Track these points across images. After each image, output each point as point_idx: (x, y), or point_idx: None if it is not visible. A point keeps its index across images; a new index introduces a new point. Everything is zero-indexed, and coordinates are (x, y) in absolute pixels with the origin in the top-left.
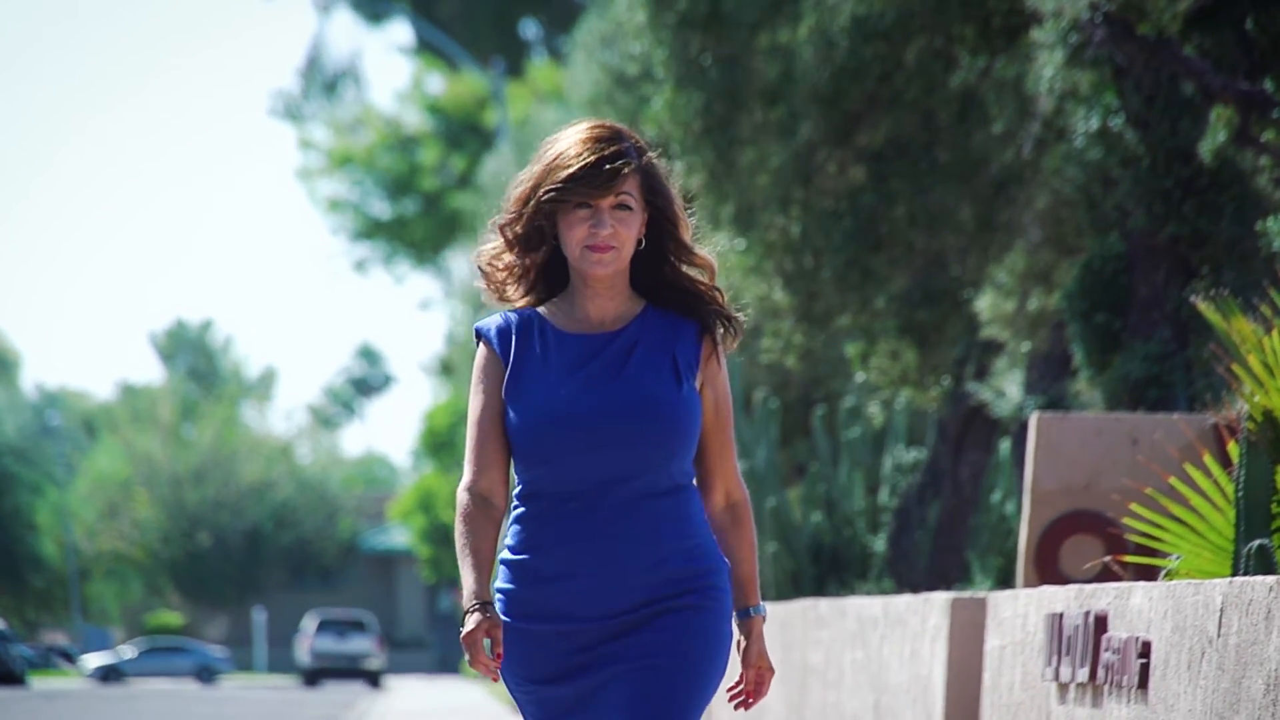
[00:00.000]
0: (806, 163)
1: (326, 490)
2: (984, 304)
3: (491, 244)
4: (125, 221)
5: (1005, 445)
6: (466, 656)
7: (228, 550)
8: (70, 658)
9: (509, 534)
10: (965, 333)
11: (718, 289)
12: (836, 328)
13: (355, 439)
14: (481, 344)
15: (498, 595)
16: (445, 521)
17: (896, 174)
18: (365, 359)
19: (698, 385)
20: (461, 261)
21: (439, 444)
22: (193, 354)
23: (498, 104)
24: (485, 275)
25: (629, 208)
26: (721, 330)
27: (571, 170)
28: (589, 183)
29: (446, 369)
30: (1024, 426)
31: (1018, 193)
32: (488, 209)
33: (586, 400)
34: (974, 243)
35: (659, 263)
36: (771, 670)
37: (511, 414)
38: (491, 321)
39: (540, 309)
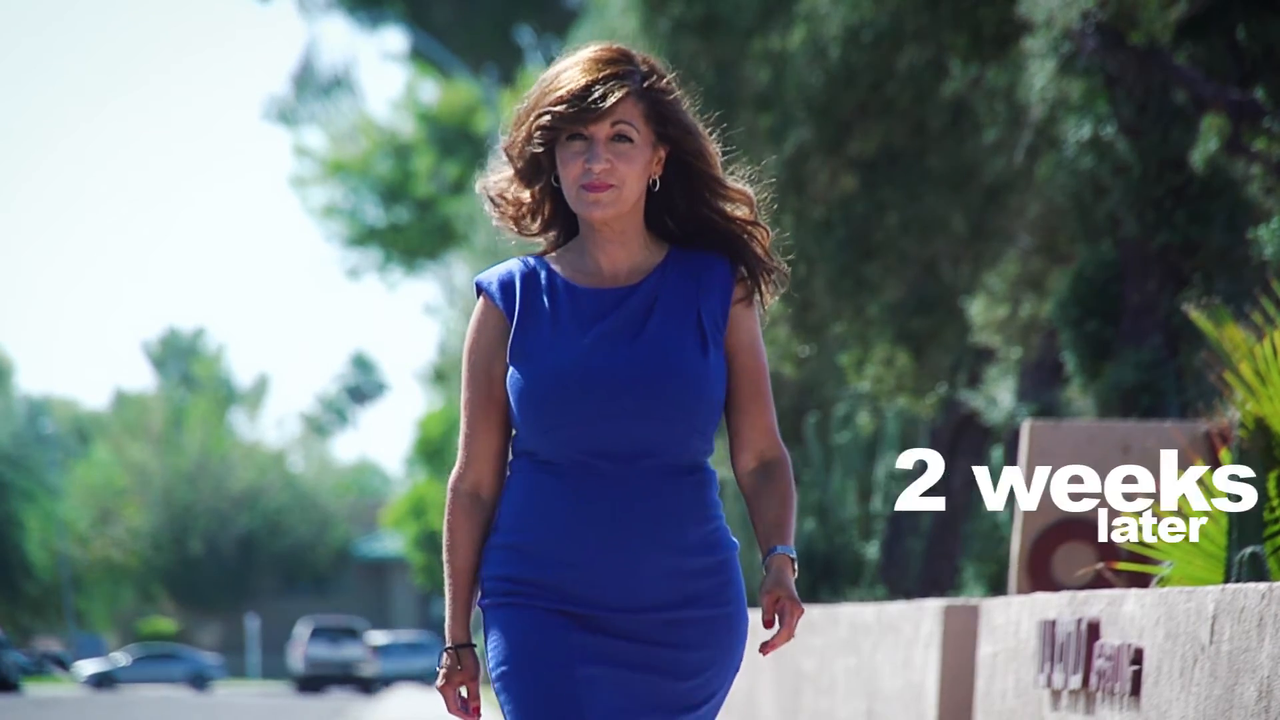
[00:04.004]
0: (799, 171)
1: (319, 497)
2: (976, 311)
3: (499, 172)
4: (118, 229)
5: (998, 452)
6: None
7: (220, 557)
8: (64, 665)
9: (501, 508)
10: (958, 340)
11: (759, 224)
12: (830, 335)
13: (348, 446)
14: (481, 299)
15: (485, 584)
16: (438, 529)
17: (888, 182)
18: (359, 367)
19: (725, 336)
20: (457, 268)
21: (432, 451)
22: (185, 362)
23: (490, 111)
24: (495, 205)
25: (628, 139)
26: (760, 276)
27: (560, 93)
28: (575, 106)
29: (440, 376)
30: (1016, 434)
31: (1010, 201)
32: (482, 217)
33: (600, 363)
34: (966, 250)
35: (690, 204)
36: (795, 603)
37: (515, 375)
38: (493, 273)
39: (549, 258)
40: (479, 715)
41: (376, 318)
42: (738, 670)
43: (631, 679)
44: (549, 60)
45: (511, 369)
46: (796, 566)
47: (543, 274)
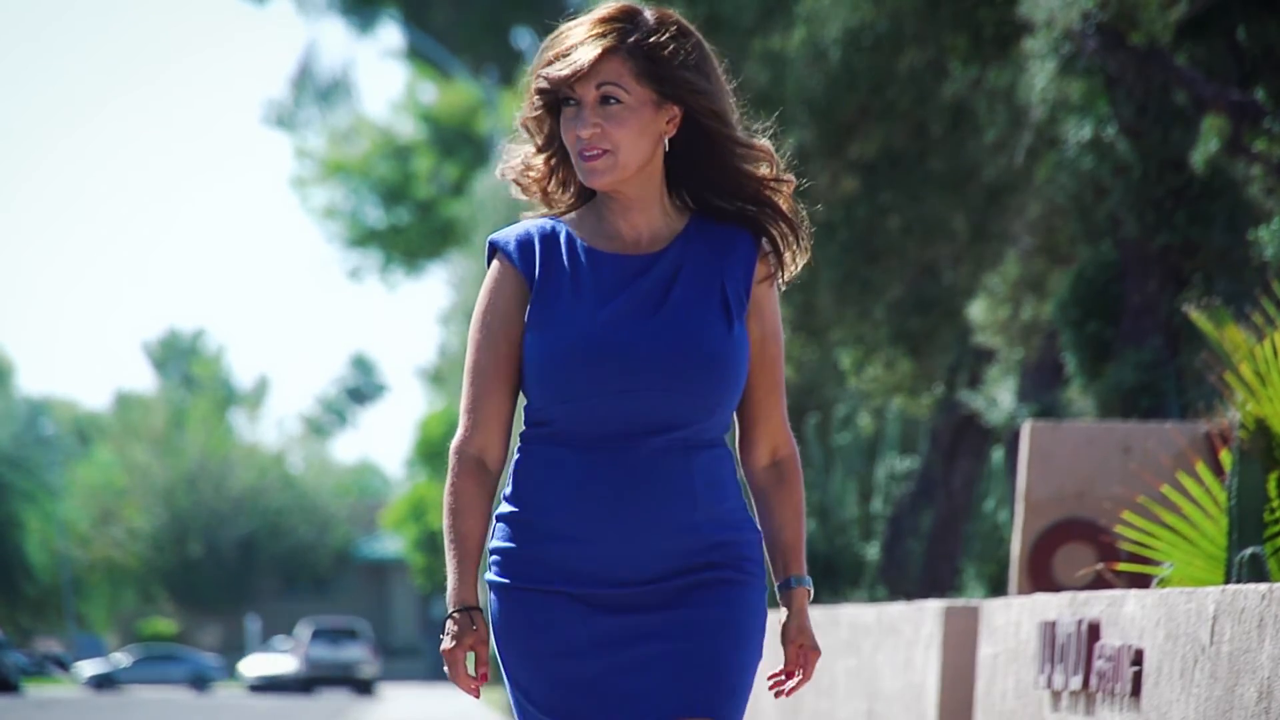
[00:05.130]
0: (800, 173)
1: (319, 499)
2: (977, 312)
3: (516, 152)
4: (118, 229)
5: (998, 453)
6: (446, 670)
7: (221, 558)
8: (65, 666)
9: (509, 480)
10: (958, 341)
11: (782, 179)
12: (832, 337)
13: (348, 448)
14: (497, 259)
15: (493, 556)
16: (437, 529)
17: (889, 184)
18: (359, 368)
19: (747, 316)
20: (457, 270)
21: (433, 453)
22: (186, 362)
23: (490, 113)
24: (519, 184)
25: (616, 100)
26: (782, 243)
27: (549, 55)
28: (556, 69)
29: (440, 378)
30: (1016, 435)
31: (1010, 202)
32: (483, 217)
33: (622, 336)
34: (967, 252)
35: (711, 166)
36: (817, 650)
37: (535, 343)
38: (510, 233)
39: (567, 220)
40: (484, 682)
41: (377, 319)
42: (759, 656)
43: (646, 655)
44: None
45: (530, 336)
46: (812, 593)
47: (562, 236)
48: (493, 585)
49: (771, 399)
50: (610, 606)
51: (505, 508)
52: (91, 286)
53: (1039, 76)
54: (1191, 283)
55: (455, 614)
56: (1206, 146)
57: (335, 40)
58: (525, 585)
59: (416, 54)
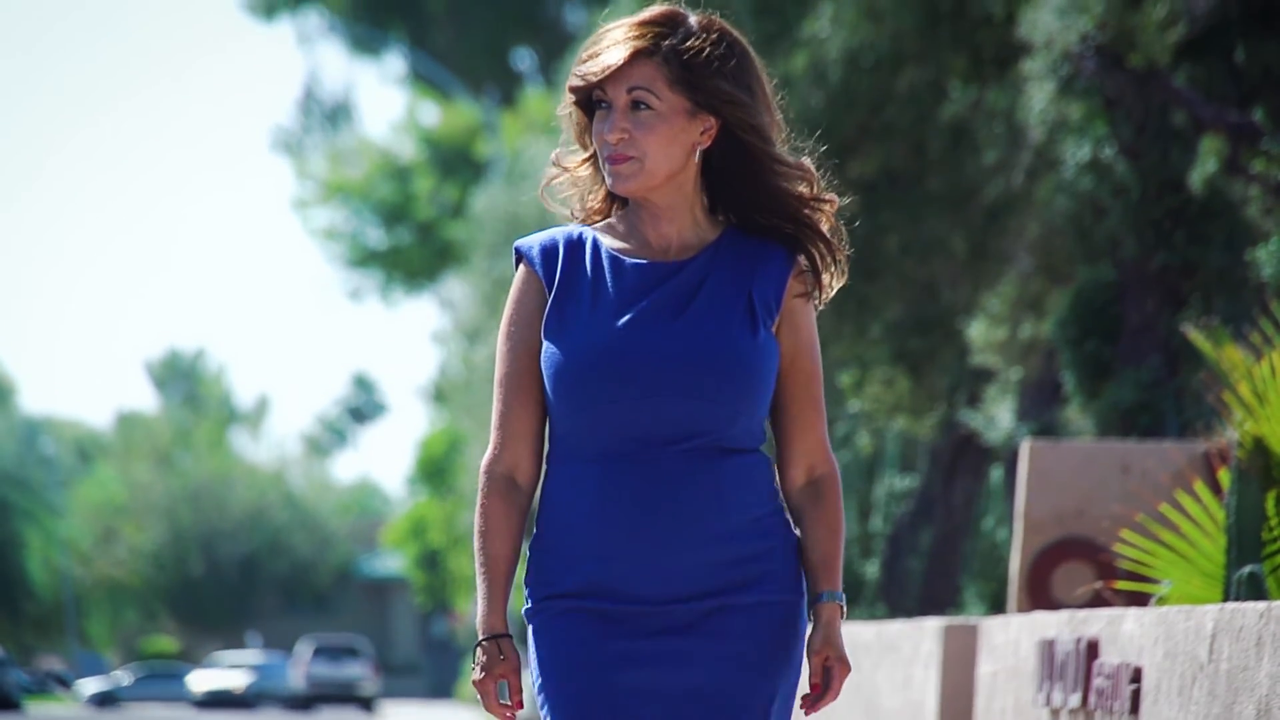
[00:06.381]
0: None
1: (320, 517)
2: (976, 332)
3: (564, 151)
4: (120, 249)
5: (997, 472)
6: (480, 701)
7: (222, 576)
8: (66, 683)
9: (539, 510)
10: (957, 361)
11: (822, 199)
12: (831, 356)
13: (348, 466)
14: (521, 266)
15: (526, 590)
16: (438, 548)
17: (889, 204)
18: (359, 387)
19: (775, 329)
20: (458, 290)
21: (433, 471)
22: (188, 382)
23: (491, 135)
24: (561, 189)
25: (646, 106)
26: (819, 264)
27: (585, 54)
28: (587, 67)
29: (440, 396)
30: (1015, 454)
31: (1009, 222)
32: (481, 239)
33: (639, 340)
34: (966, 271)
35: (747, 181)
36: (844, 664)
37: (550, 349)
38: (535, 239)
39: (596, 228)
40: (520, 709)
41: (377, 339)
42: (798, 671)
43: (670, 684)
44: (549, 83)
45: (546, 343)
46: (845, 610)
47: (588, 243)
48: (526, 615)
49: (807, 415)
50: (640, 627)
51: (534, 538)
52: (93, 306)
53: (1038, 97)
54: (1190, 302)
55: (484, 643)
56: (1205, 167)
57: (337, 63)
58: (552, 613)
59: (417, 75)
